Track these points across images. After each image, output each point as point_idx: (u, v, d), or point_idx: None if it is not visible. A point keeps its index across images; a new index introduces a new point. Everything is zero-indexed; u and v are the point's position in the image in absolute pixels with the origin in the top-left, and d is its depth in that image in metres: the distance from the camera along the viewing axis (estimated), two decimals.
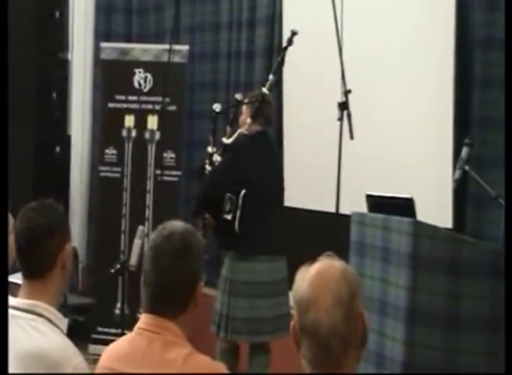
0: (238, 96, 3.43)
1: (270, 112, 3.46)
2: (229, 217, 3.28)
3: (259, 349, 3.15)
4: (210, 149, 3.44)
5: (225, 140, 3.39)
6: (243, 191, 3.23)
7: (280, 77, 3.96)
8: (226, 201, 3.30)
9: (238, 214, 3.25)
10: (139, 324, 1.71)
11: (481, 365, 2.37)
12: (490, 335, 2.43)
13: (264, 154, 3.40)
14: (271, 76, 3.31)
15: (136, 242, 3.16)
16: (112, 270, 3.11)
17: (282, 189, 3.69)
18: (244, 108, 3.37)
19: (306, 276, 1.45)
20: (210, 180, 3.47)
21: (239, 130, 3.41)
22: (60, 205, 2.01)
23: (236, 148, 3.33)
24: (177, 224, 1.75)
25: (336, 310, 1.41)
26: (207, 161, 3.48)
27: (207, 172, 3.49)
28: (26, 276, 1.86)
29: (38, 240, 1.83)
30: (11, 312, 1.84)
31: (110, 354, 1.75)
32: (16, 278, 2.28)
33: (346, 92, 2.99)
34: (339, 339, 1.38)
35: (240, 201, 3.25)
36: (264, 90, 3.27)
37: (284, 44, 3.37)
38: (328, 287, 1.43)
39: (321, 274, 1.44)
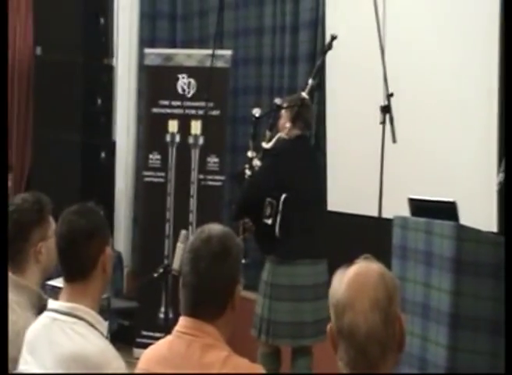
0: (277, 101, 3.48)
1: (309, 116, 3.52)
2: (269, 222, 3.30)
3: (301, 352, 3.17)
4: (250, 154, 3.50)
5: (264, 144, 3.44)
6: (284, 196, 3.25)
7: (321, 81, 4.01)
8: (266, 205, 3.33)
9: (278, 219, 3.27)
10: (177, 327, 1.72)
11: None
12: None
13: (303, 158, 3.42)
14: (310, 81, 3.36)
15: (179, 246, 3.23)
16: (155, 274, 3.21)
17: (321, 192, 3.72)
18: (283, 112, 3.41)
19: (343, 279, 1.45)
20: (249, 185, 3.51)
21: (278, 135, 3.44)
22: (100, 209, 2.03)
23: (276, 153, 3.37)
24: (215, 227, 1.76)
25: (373, 314, 1.41)
26: (247, 165, 3.54)
27: (246, 176, 3.53)
28: (66, 279, 1.88)
29: (79, 242, 1.85)
30: (52, 315, 1.86)
31: (149, 356, 1.76)
32: (59, 282, 2.37)
33: (389, 95, 2.99)
34: (377, 343, 1.39)
35: (281, 206, 3.28)
36: (304, 94, 3.32)
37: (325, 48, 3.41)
38: (365, 290, 1.43)
39: (358, 277, 1.43)
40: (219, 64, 4.20)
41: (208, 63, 4.18)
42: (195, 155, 4.34)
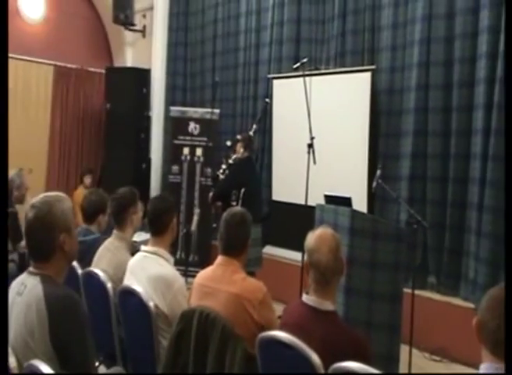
0: (238, 136, 5.01)
1: (253, 145, 5.02)
2: (234, 204, 4.61)
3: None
4: (223, 166, 5.02)
5: (230, 161, 4.92)
6: (243, 189, 4.64)
7: (266, 126, 5.86)
8: (232, 195, 4.64)
9: (240, 202, 4.59)
10: (217, 261, 2.42)
11: None
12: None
13: (251, 168, 4.92)
14: (254, 126, 5.36)
15: (195, 218, 5.17)
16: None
17: (259, 187, 4.99)
18: (239, 143, 4.83)
19: (313, 236, 2.03)
20: (222, 184, 4.82)
21: (235, 156, 4.87)
22: (170, 197, 2.70)
23: (235, 166, 4.78)
24: (237, 208, 2.53)
25: (329, 254, 1.98)
26: (221, 171, 4.98)
27: (220, 179, 4.93)
28: (152, 234, 2.60)
29: (160, 213, 2.61)
30: (144, 254, 2.59)
31: (201, 276, 2.45)
32: (139, 236, 3.34)
33: (312, 138, 4.24)
34: (330, 270, 1.97)
35: (241, 195, 4.62)
36: (250, 133, 5.15)
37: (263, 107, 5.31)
38: (325, 241, 2.00)
39: (321, 234, 2.02)
40: (213, 117, 6.15)
41: (206, 116, 6.32)
42: (198, 167, 6.39)
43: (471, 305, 4.42)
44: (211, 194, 5.06)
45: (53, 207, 1.80)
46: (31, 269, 1.86)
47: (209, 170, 6.40)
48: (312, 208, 3.81)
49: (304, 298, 2.09)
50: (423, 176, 4.82)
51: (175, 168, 6.56)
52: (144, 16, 7.33)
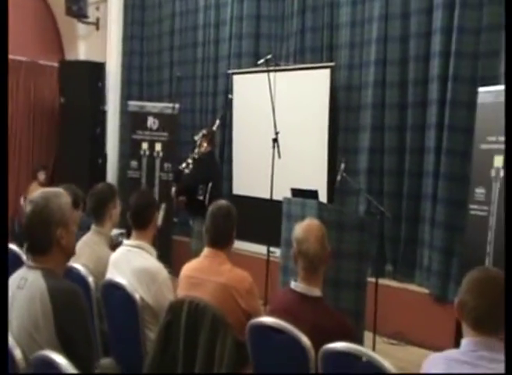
0: (203, 131, 5.10)
1: (215, 140, 5.26)
2: (201, 197, 4.80)
3: None
4: (189, 160, 4.96)
5: (194, 155, 4.98)
6: (210, 183, 4.78)
7: (227, 121, 5.96)
8: (200, 189, 4.76)
9: (207, 196, 4.77)
10: (204, 253, 2.52)
11: None
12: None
13: (215, 163, 5.19)
14: (217, 121, 5.27)
15: (161, 212, 5.00)
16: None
17: (221, 180, 5.21)
18: (204, 137, 4.99)
19: (300, 226, 2.18)
20: (189, 178, 4.83)
21: (197, 150, 5.00)
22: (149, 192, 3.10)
23: (201, 160, 4.85)
24: (223, 202, 2.58)
25: (316, 244, 2.12)
26: (184, 165, 4.92)
27: (184, 173, 4.86)
28: (135, 228, 2.68)
29: (143, 208, 2.69)
30: (127, 248, 2.65)
31: (188, 267, 2.54)
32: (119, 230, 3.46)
33: (277, 133, 4.49)
34: (318, 258, 2.12)
35: (209, 189, 4.77)
36: (214, 128, 5.19)
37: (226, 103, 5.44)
38: (312, 232, 2.14)
39: (309, 225, 2.18)
40: (173, 111, 6.27)
41: (165, 111, 6.37)
42: (157, 162, 6.47)
43: (426, 291, 4.67)
44: (173, 188, 5.09)
45: (50, 202, 1.84)
46: (30, 263, 1.89)
47: (169, 165, 6.44)
48: (277, 201, 3.91)
49: (293, 285, 2.21)
50: (380, 169, 5.02)
51: (133, 163, 6.58)
52: (98, 9, 7.24)
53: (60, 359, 1.55)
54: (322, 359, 1.97)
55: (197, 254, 2.70)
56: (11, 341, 1.74)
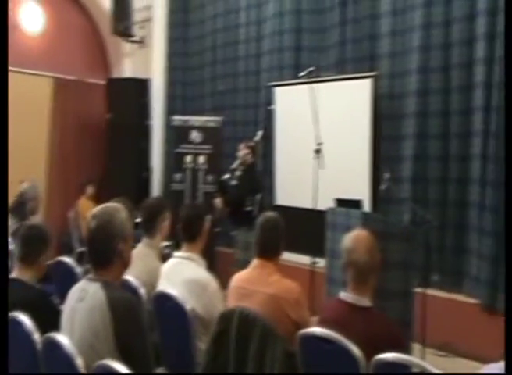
0: (250, 143, 5.31)
1: (258, 151, 5.40)
2: (249, 209, 4.90)
3: None
4: (237, 172, 5.09)
5: (239, 167, 5.16)
6: (259, 195, 4.99)
7: (269, 133, 5.95)
8: (248, 200, 4.90)
9: (256, 207, 4.94)
10: (253, 264, 2.54)
11: None
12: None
13: (259, 175, 5.32)
14: (260, 132, 5.47)
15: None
16: None
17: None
18: (249, 149, 5.23)
19: (349, 237, 2.20)
20: (238, 190, 4.94)
21: (239, 161, 5.19)
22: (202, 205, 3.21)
23: (248, 172, 4.98)
24: (271, 213, 2.62)
25: (366, 254, 2.13)
26: (227, 176, 5.10)
27: (231, 184, 5.04)
28: (185, 240, 2.70)
29: (194, 220, 2.73)
30: (177, 259, 2.70)
31: (237, 278, 2.57)
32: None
33: (319, 143, 4.49)
34: (368, 268, 2.13)
35: (258, 200, 4.96)
36: (257, 139, 5.42)
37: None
38: (361, 242, 2.15)
39: (357, 235, 2.20)
40: (215, 124, 6.44)
41: (208, 124, 6.49)
42: (201, 175, 6.51)
43: (474, 301, 4.59)
44: (218, 199, 5.17)
45: (113, 217, 1.92)
46: (91, 276, 1.97)
47: (212, 178, 6.51)
48: (320, 212, 3.90)
49: (342, 295, 2.22)
50: (424, 177, 4.96)
51: (177, 176, 6.65)
52: (143, 27, 7.40)
53: (121, 368, 1.61)
54: (374, 370, 1.97)
55: (242, 265, 2.73)
56: (73, 350, 1.81)
